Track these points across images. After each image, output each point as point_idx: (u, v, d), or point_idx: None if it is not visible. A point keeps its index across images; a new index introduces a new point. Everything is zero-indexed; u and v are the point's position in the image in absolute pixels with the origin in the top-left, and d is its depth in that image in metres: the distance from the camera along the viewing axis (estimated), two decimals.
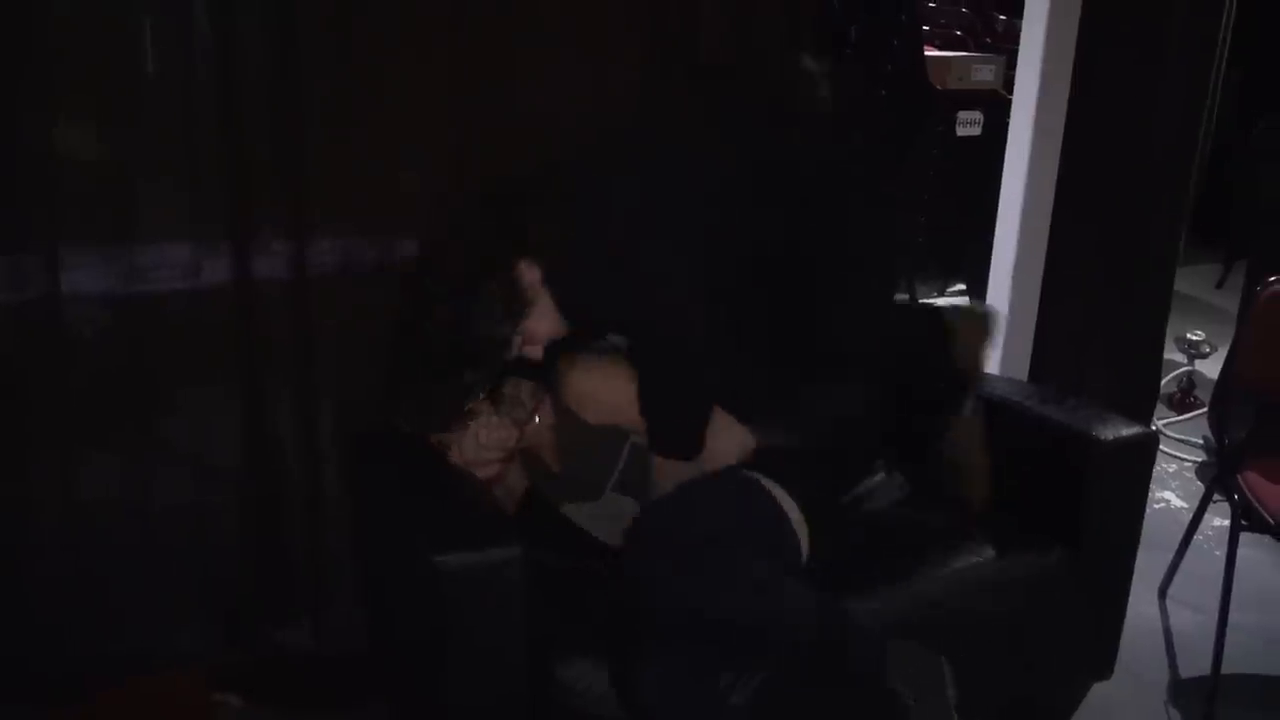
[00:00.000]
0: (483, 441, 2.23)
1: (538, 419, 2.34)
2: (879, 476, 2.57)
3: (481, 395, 2.27)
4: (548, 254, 2.20)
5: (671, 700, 1.97)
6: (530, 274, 2.20)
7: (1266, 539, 2.57)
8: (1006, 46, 5.02)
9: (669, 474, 2.27)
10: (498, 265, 2.19)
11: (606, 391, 2.31)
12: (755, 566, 2.04)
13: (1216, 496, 2.94)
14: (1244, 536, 2.63)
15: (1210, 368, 4.36)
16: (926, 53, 4.90)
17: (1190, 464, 4.00)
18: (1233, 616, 2.64)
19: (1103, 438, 2.35)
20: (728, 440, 2.31)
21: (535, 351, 2.26)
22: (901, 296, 3.30)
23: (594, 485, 2.32)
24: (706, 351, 2.26)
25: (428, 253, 2.39)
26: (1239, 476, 2.70)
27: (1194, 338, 4.49)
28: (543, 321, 2.24)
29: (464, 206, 2.40)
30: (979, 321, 2.60)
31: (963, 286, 5.21)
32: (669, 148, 2.33)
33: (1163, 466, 3.91)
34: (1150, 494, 2.53)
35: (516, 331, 2.21)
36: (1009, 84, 3.94)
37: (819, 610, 2.05)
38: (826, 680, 2.04)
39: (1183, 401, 4.45)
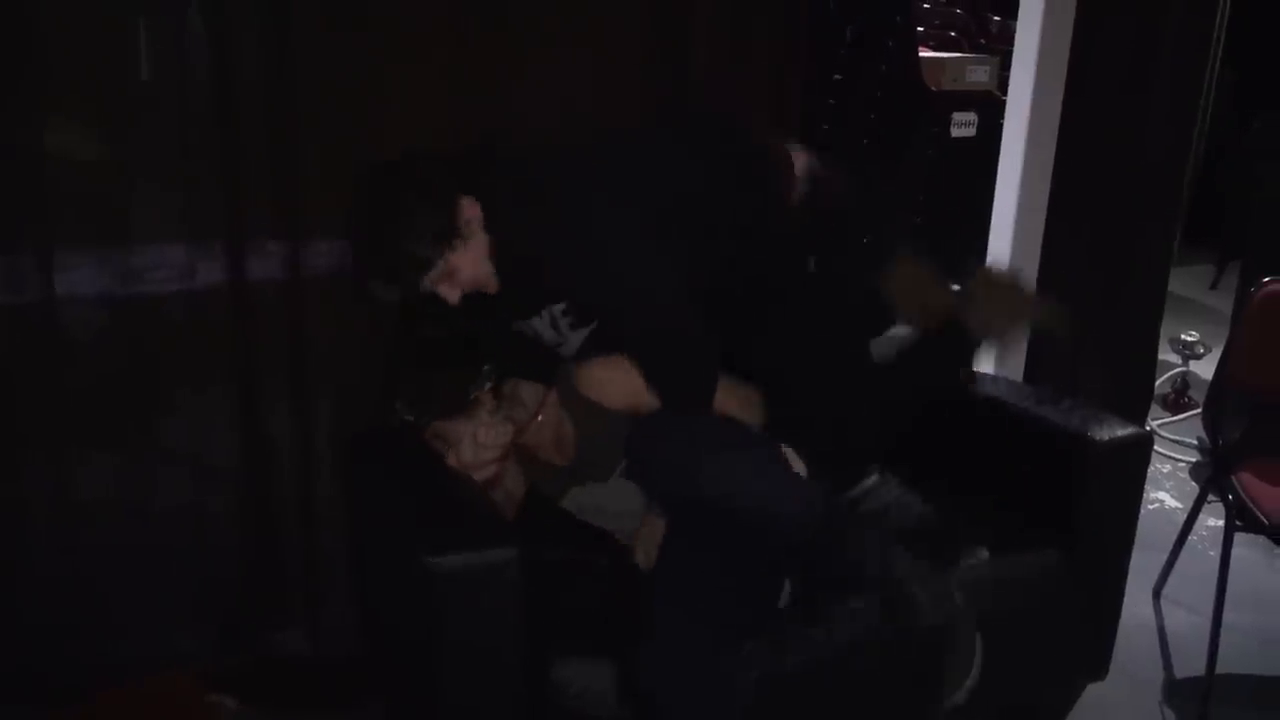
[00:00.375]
0: (481, 441, 2.23)
1: (540, 418, 2.34)
2: (873, 479, 2.57)
3: (486, 387, 2.27)
4: (495, 197, 2.19)
5: (675, 685, 1.97)
6: (470, 210, 2.17)
7: (1260, 539, 2.57)
8: (1001, 47, 5.03)
9: None
10: (435, 184, 2.17)
11: (624, 378, 2.32)
12: (759, 453, 2.12)
13: (1211, 497, 2.95)
14: (1238, 537, 2.64)
15: (1204, 368, 4.37)
16: (921, 54, 4.91)
17: (1185, 465, 4.01)
18: (1227, 617, 2.64)
19: (1097, 438, 2.35)
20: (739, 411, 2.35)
21: (452, 293, 2.20)
22: None
23: (603, 468, 2.33)
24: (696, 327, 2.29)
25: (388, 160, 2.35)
26: (1233, 477, 2.71)
27: (1188, 338, 4.49)
28: (469, 262, 2.19)
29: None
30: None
31: (956, 286, 5.20)
32: (649, 141, 2.38)
33: (1157, 467, 3.91)
34: (1145, 495, 2.53)
35: (439, 258, 2.16)
36: (1003, 85, 3.95)
37: (823, 500, 2.10)
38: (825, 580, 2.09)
39: (1177, 402, 4.46)
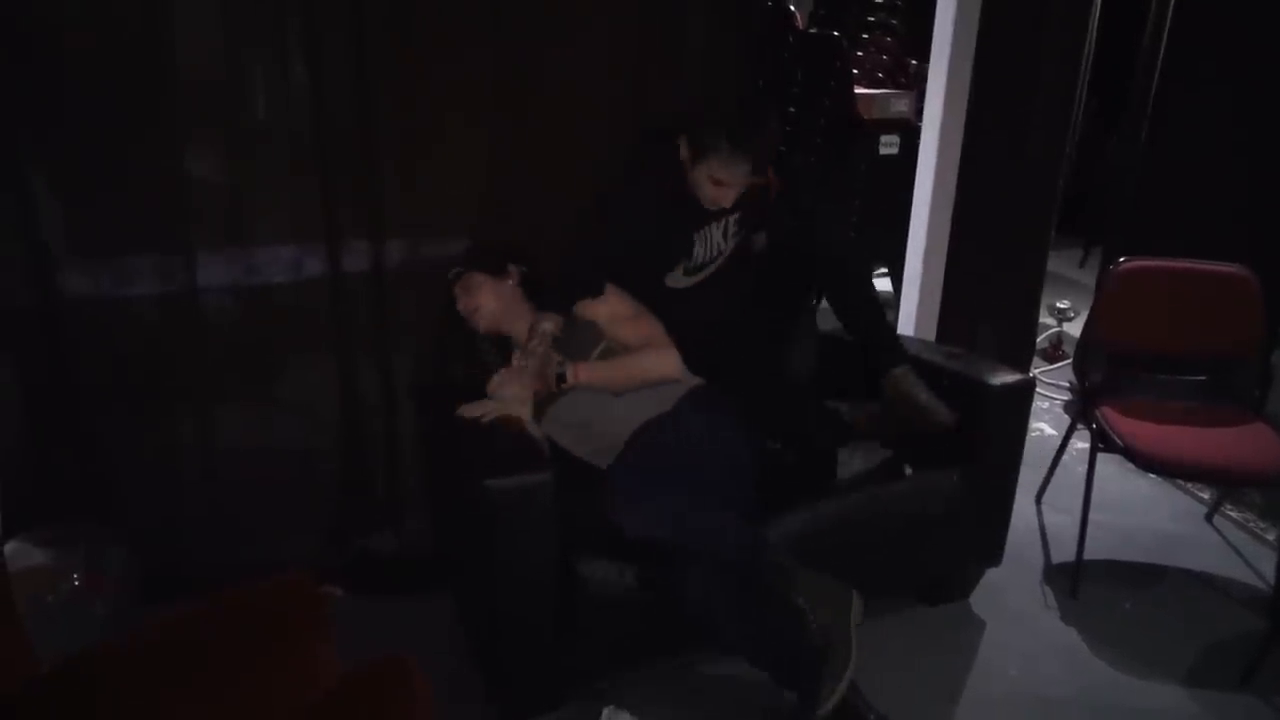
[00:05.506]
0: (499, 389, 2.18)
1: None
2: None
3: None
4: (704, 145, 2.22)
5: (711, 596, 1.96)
6: (684, 150, 2.24)
7: (1116, 457, 2.56)
8: (917, 85, 4.97)
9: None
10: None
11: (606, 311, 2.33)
12: (692, 503, 2.01)
13: (1079, 426, 2.94)
14: (1100, 456, 2.63)
15: (1074, 328, 4.35)
16: (856, 90, 4.86)
17: (1059, 402, 4.00)
18: (1092, 516, 2.64)
19: (993, 383, 2.34)
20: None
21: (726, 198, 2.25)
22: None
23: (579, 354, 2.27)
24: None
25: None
26: (1096, 411, 2.70)
27: (1061, 305, 4.48)
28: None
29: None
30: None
31: (884, 270, 5.18)
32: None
33: (1038, 404, 3.90)
34: (1029, 425, 2.53)
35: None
36: (919, 114, 3.90)
37: (736, 533, 1.99)
38: (747, 586, 1.98)
39: (1053, 354, 4.45)
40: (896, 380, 2.35)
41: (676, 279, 2.45)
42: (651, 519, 1.96)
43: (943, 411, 2.30)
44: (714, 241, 2.42)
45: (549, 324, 2.24)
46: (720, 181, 2.23)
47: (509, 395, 2.14)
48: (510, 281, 2.36)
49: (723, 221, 2.40)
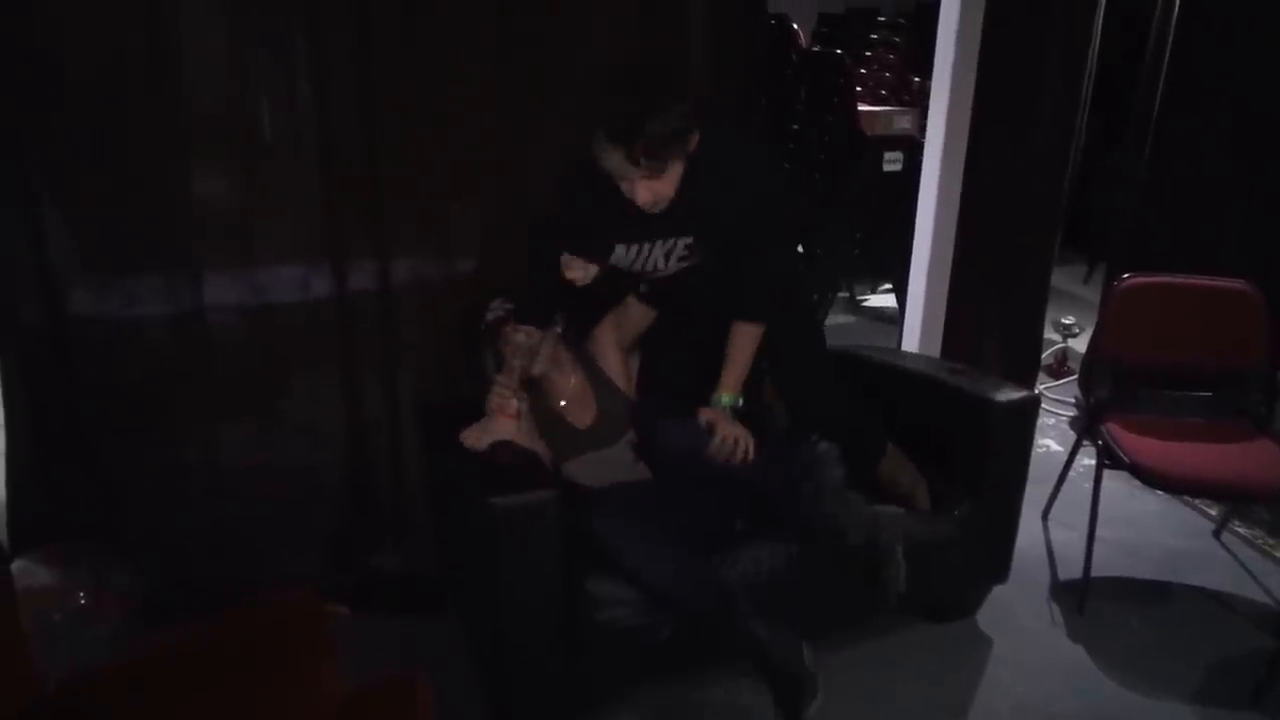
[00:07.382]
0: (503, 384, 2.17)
1: (572, 380, 2.32)
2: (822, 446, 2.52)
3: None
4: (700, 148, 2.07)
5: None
6: (694, 142, 2.04)
7: (1123, 474, 2.56)
8: (921, 102, 4.99)
9: None
10: (686, 114, 2.00)
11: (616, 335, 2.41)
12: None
13: (1085, 443, 2.93)
14: (1106, 472, 2.62)
15: (1079, 344, 4.35)
16: (859, 107, 4.88)
17: (1065, 418, 3.99)
18: (1099, 533, 2.64)
19: (998, 400, 2.34)
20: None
21: (635, 193, 2.04)
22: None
23: (612, 439, 2.33)
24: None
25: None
26: (1102, 427, 2.69)
27: (1066, 321, 4.47)
28: (666, 180, 2.04)
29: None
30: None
31: (889, 285, 5.19)
32: None
33: (1044, 420, 3.89)
34: (1035, 441, 2.52)
35: (666, 159, 2.00)
36: (923, 130, 3.92)
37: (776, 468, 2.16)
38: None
39: (1058, 370, 4.44)
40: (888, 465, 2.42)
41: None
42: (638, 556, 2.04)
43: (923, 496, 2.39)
44: (649, 258, 2.25)
45: (522, 337, 2.23)
46: (620, 178, 2.03)
47: (494, 409, 2.14)
48: (556, 329, 2.30)
49: (670, 241, 2.21)
